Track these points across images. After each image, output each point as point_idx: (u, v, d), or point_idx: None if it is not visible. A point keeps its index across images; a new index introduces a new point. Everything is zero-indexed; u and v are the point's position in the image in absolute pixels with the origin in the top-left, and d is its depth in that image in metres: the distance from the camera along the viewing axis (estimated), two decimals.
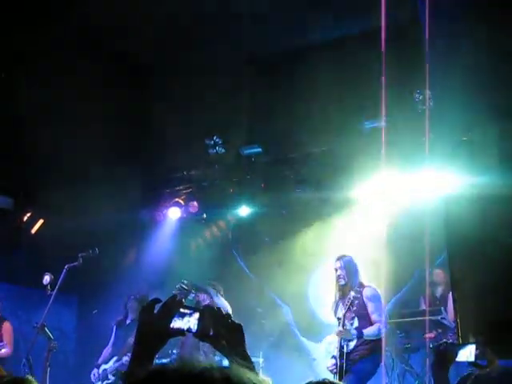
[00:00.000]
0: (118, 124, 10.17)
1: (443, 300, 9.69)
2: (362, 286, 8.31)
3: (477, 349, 5.37)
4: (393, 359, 9.37)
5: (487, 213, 5.84)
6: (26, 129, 9.59)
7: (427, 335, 9.31)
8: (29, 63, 8.92)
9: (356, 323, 8.09)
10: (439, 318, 9.31)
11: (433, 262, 10.14)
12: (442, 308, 9.35)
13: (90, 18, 8.86)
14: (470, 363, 6.21)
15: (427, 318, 9.37)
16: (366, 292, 8.23)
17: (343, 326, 8.02)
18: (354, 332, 7.98)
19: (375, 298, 8.27)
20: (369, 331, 8.01)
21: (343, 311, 8.12)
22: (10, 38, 8.62)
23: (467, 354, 6.03)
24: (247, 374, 1.33)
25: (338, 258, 8.61)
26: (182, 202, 11.75)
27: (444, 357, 8.68)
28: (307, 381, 3.97)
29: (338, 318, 8.29)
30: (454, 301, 7.38)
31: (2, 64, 9.05)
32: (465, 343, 5.53)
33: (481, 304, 5.17)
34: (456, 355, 6.93)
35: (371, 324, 8.11)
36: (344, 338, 8.01)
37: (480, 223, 5.82)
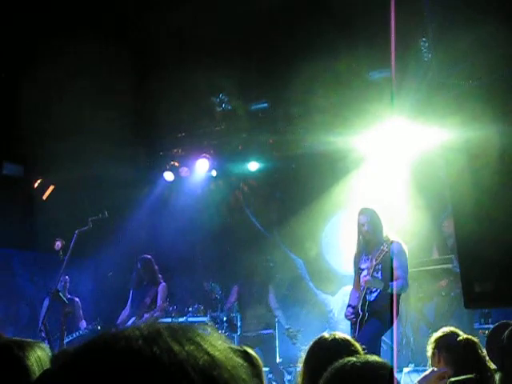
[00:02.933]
0: (124, 91, 10.13)
1: (455, 250, 9.67)
2: (388, 239, 8.22)
3: None
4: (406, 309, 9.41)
5: (487, 161, 5.76)
6: (35, 99, 9.58)
7: (440, 283, 9.33)
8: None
9: (379, 275, 8.07)
10: (450, 266, 9.33)
11: (444, 211, 10.12)
12: (453, 256, 9.34)
13: None
14: None
15: (439, 266, 9.40)
16: (394, 247, 8.15)
17: (369, 275, 8.00)
18: (382, 283, 7.96)
19: (402, 253, 8.19)
20: (393, 284, 7.99)
21: (371, 263, 8.08)
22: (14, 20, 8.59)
23: None
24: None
25: (363, 212, 8.43)
26: (190, 160, 11.74)
27: None
28: (321, 334, 4.02)
29: (362, 269, 8.27)
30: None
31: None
32: None
33: (483, 252, 5.12)
34: None
35: (395, 278, 8.07)
36: (370, 286, 8.00)
37: (484, 173, 5.75)
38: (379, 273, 8.07)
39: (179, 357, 1.05)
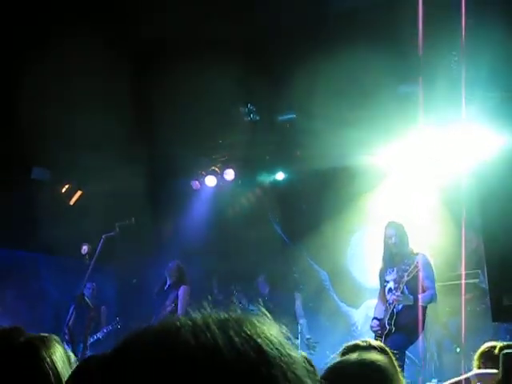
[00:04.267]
0: (153, 96, 10.20)
1: (482, 264, 9.62)
2: (413, 253, 8.22)
3: None
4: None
5: None
6: (62, 107, 9.67)
7: (464, 298, 9.27)
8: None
9: (405, 289, 8.05)
10: (477, 281, 9.28)
11: (471, 226, 10.07)
12: (480, 271, 9.30)
13: None
14: None
15: (464, 281, 9.36)
16: (420, 259, 8.14)
17: (399, 291, 7.98)
18: (411, 297, 7.94)
19: (428, 264, 8.21)
20: (424, 297, 7.97)
21: (399, 277, 8.07)
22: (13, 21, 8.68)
23: None
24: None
25: (390, 225, 8.49)
26: (217, 169, 11.79)
27: None
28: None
29: (387, 281, 8.27)
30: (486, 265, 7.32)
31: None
32: None
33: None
34: None
35: (423, 289, 8.06)
36: (401, 303, 7.98)
37: None
38: (407, 288, 8.04)
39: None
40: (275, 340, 1.02)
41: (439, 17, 8.60)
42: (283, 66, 10.09)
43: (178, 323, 1.00)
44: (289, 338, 1.08)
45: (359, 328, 10.88)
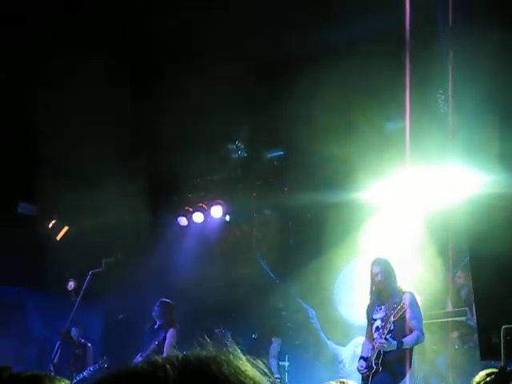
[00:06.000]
0: (139, 132, 10.23)
1: (469, 301, 9.61)
2: (401, 290, 8.18)
3: None
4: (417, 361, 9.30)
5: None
6: (49, 138, 9.66)
7: (451, 335, 9.25)
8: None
9: (392, 327, 7.98)
10: (464, 318, 9.27)
11: (458, 263, 10.09)
12: (467, 309, 9.29)
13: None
14: None
15: (452, 319, 9.35)
16: (407, 297, 8.09)
17: (384, 335, 7.91)
18: (395, 343, 7.87)
19: (415, 304, 8.13)
20: (408, 340, 7.89)
21: (386, 316, 8.01)
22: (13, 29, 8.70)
23: None
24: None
25: (376, 262, 8.41)
26: (205, 206, 11.79)
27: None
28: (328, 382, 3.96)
29: (374, 319, 8.22)
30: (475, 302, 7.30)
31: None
32: None
33: (501, 303, 5.11)
34: None
35: (409, 330, 8.00)
36: (384, 349, 7.90)
37: (504, 224, 5.75)
38: (392, 325, 7.98)
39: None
40: (249, 375, 1.07)
41: (426, 54, 8.69)
42: (271, 103, 10.15)
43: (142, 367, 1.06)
44: (266, 374, 1.13)
45: (347, 366, 10.79)
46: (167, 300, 10.49)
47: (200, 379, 1.02)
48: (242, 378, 1.05)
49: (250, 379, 1.06)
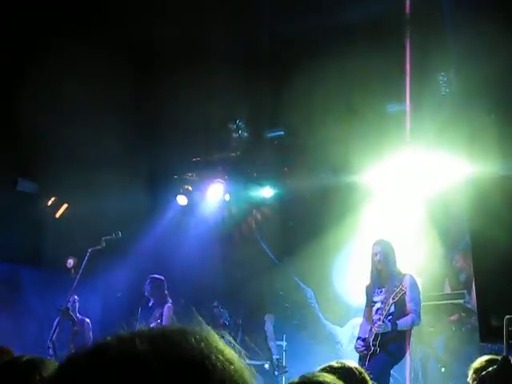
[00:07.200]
0: (140, 112, 10.22)
1: (468, 284, 9.63)
2: (400, 273, 8.19)
3: None
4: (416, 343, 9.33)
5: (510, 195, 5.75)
6: (50, 118, 9.65)
7: (450, 318, 9.28)
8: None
9: (392, 309, 8.00)
10: (462, 301, 9.29)
11: (456, 246, 10.10)
12: (465, 292, 9.31)
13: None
14: None
15: (450, 301, 9.37)
16: (407, 280, 8.10)
17: (382, 317, 7.93)
18: (389, 325, 7.88)
19: (414, 286, 8.15)
20: (402, 322, 7.92)
21: (385, 299, 8.03)
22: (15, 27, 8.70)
23: None
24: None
25: (377, 242, 8.40)
26: (204, 185, 11.79)
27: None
28: (329, 363, 3.95)
29: (374, 302, 8.23)
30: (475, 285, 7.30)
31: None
32: None
33: (501, 286, 5.10)
34: None
35: (408, 311, 8.01)
36: (381, 332, 7.93)
37: (503, 207, 5.74)
38: (391, 306, 7.99)
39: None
40: (218, 347, 1.07)
41: (428, 37, 8.66)
42: (272, 83, 10.13)
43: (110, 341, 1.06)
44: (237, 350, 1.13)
45: (344, 347, 10.82)
46: (156, 276, 10.46)
47: (169, 350, 1.02)
48: (212, 349, 1.05)
49: (219, 351, 1.05)
